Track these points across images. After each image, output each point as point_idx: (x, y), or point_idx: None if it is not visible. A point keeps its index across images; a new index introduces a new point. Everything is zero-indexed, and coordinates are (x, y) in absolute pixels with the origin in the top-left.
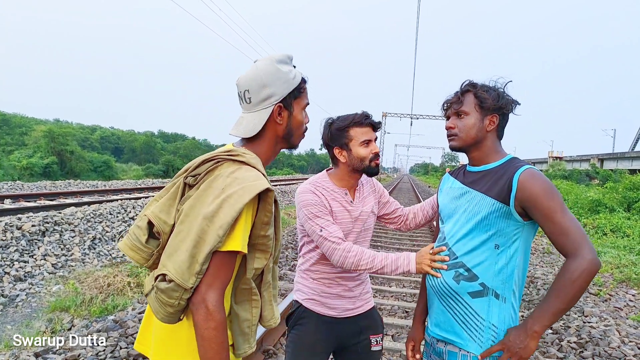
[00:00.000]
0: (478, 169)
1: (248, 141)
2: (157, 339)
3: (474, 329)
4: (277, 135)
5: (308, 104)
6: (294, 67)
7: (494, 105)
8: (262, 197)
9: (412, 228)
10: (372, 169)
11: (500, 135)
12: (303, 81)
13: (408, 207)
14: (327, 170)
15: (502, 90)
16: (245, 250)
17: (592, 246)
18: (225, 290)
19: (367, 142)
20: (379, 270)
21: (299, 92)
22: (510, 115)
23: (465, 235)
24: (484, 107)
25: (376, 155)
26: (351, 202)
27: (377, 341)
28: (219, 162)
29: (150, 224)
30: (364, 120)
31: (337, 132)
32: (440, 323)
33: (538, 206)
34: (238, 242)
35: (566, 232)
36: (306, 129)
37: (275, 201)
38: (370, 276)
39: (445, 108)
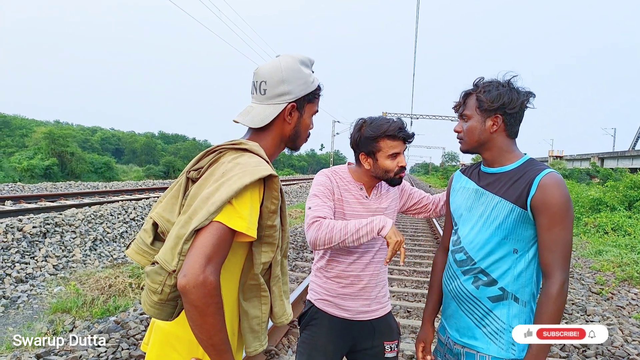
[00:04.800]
0: (493, 170)
1: (253, 134)
2: (155, 337)
3: (494, 332)
4: (283, 134)
5: (317, 111)
6: (313, 72)
7: (492, 106)
8: (267, 183)
9: (443, 214)
10: (395, 181)
11: (511, 135)
12: (319, 88)
13: (437, 194)
14: (348, 164)
15: (507, 87)
16: (254, 235)
17: (567, 273)
18: (220, 269)
19: (395, 155)
20: (356, 240)
21: (313, 97)
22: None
23: (483, 240)
24: (483, 109)
25: (402, 169)
26: (366, 197)
27: (391, 348)
28: (221, 152)
29: (155, 226)
30: (398, 134)
31: (366, 140)
32: (460, 328)
33: (548, 213)
34: (245, 223)
35: (556, 249)
36: (309, 134)
37: (281, 189)
38: None
39: (455, 111)
